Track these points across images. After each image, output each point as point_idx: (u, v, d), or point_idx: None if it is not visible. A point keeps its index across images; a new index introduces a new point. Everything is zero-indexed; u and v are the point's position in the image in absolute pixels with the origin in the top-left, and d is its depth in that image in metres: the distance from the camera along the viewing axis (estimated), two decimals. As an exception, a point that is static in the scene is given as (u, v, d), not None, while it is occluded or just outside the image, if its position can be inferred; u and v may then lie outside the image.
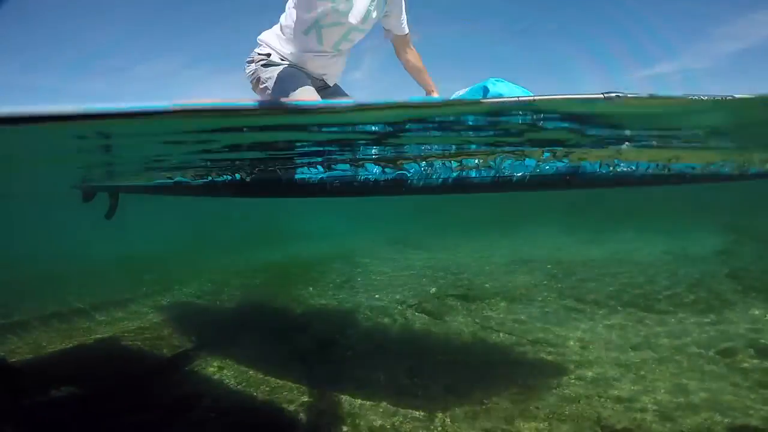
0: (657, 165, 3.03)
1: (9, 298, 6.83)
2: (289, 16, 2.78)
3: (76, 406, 3.47)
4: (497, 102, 2.12)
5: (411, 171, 2.85)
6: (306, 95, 2.68)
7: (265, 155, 3.20)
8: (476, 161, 2.81)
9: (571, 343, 4.37)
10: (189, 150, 3.10)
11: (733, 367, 3.67)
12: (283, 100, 2.67)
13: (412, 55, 3.10)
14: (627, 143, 2.84)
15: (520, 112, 2.19)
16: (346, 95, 3.14)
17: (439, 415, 3.23)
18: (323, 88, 2.97)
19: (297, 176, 3.16)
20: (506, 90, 2.25)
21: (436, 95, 3.14)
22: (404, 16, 3.01)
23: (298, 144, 2.86)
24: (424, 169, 2.84)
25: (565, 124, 2.37)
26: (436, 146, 2.96)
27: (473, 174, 2.84)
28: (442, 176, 2.85)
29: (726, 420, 2.96)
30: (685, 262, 7.27)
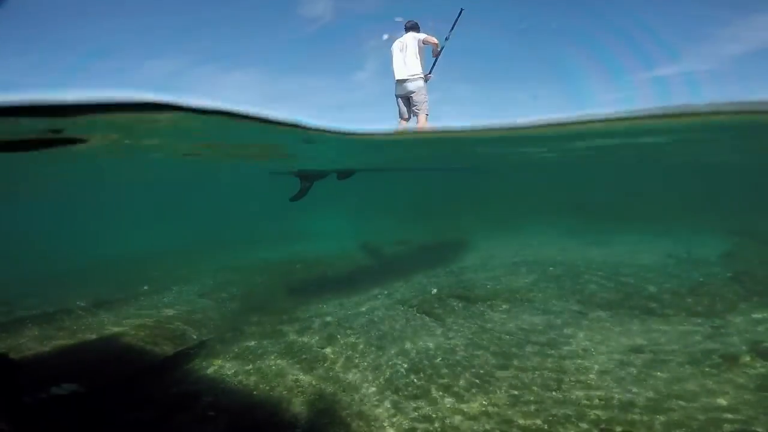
0: None
1: (11, 296, 6.86)
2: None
3: (77, 404, 3.48)
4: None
5: None
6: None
7: None
8: None
9: (573, 344, 4.34)
10: None
11: (736, 370, 3.64)
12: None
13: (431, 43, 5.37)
14: None
15: None
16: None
17: (440, 415, 3.22)
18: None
19: None
20: None
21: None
22: (423, 36, 5.26)
23: None
24: None
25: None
26: None
27: None
28: None
29: (729, 423, 2.93)
30: (688, 265, 7.22)
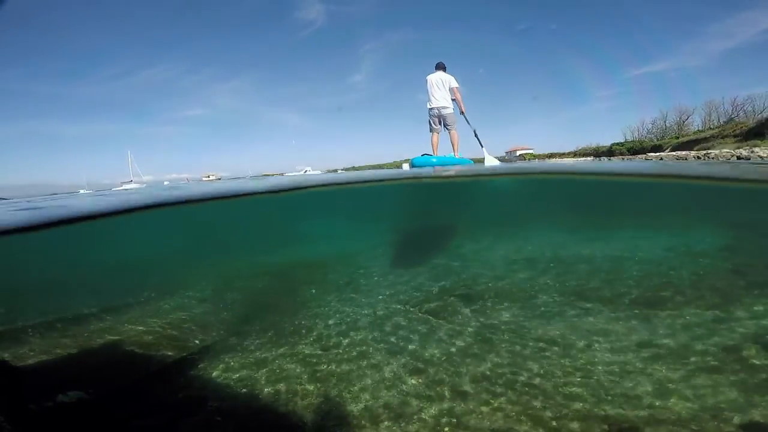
0: None
1: (14, 303, 6.83)
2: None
3: (82, 411, 3.47)
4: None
5: None
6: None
7: None
8: None
9: (576, 341, 4.36)
10: None
11: (740, 364, 3.66)
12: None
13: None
14: None
15: None
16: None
17: (445, 416, 3.23)
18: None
19: None
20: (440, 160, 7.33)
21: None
22: (454, 87, 7.12)
23: None
24: None
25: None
26: None
27: None
28: None
29: (734, 418, 2.95)
30: (687, 259, 7.24)
